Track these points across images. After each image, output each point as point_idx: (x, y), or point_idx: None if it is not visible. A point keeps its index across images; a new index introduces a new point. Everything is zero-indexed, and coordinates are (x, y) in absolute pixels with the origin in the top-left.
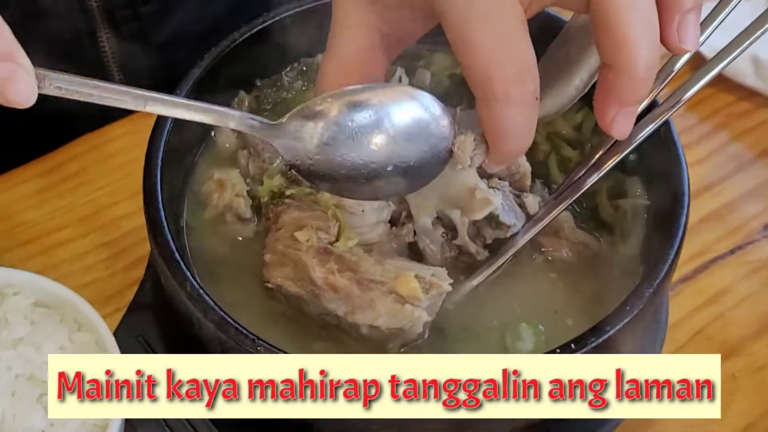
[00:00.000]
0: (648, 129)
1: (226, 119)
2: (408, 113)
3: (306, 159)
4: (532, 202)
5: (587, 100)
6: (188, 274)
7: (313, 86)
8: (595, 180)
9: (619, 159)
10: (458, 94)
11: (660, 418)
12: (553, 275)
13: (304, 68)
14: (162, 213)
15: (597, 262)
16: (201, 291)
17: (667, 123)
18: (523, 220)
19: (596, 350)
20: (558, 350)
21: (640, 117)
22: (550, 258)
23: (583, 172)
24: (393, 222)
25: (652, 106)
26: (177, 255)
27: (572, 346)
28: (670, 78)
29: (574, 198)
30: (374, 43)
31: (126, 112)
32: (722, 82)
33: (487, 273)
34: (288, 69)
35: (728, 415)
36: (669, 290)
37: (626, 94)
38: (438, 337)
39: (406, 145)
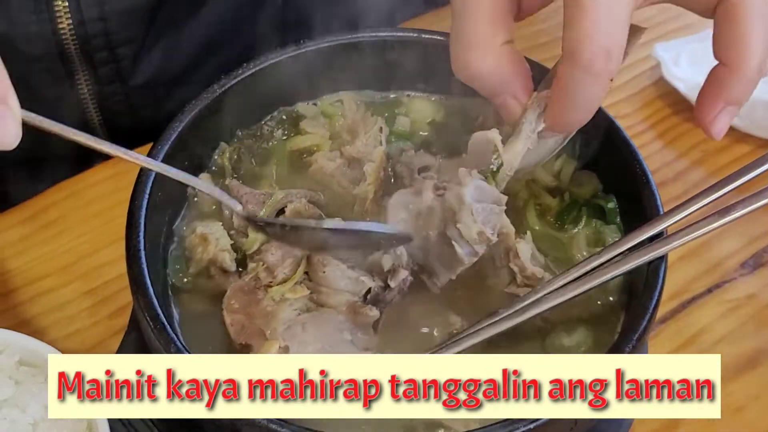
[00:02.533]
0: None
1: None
2: None
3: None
4: (524, 248)
5: (565, 147)
6: (173, 335)
7: (293, 135)
8: (614, 275)
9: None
10: (438, 141)
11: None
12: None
13: (284, 117)
14: (146, 272)
15: (574, 312)
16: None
17: (645, 172)
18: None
19: None
20: None
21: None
22: None
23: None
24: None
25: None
26: (162, 317)
27: None
28: None
29: (581, 290)
30: (508, 5)
31: (105, 156)
32: None
33: (462, 346)
34: (268, 118)
35: None
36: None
37: (734, 93)
38: None
39: None
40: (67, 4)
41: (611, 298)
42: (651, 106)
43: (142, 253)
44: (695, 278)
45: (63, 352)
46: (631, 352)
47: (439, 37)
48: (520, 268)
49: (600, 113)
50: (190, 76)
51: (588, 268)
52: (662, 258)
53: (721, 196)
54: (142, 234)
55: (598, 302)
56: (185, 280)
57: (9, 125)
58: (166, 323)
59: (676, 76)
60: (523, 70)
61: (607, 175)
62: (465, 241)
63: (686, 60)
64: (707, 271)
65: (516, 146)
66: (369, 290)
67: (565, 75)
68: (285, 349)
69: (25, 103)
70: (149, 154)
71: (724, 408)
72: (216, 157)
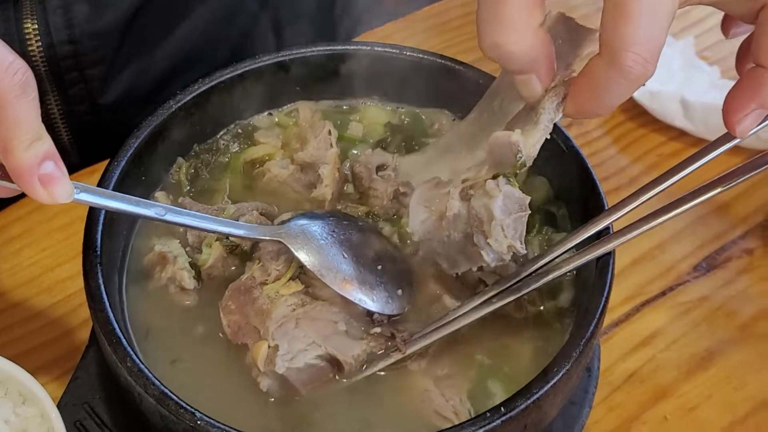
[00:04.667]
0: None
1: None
2: None
3: None
4: None
5: None
6: (129, 350)
7: (247, 146)
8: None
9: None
10: (393, 141)
11: None
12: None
13: (239, 130)
14: (102, 288)
15: (527, 318)
16: (141, 366)
17: (593, 179)
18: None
19: (524, 412)
20: (487, 414)
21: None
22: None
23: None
24: None
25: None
26: (118, 332)
27: (501, 409)
28: None
29: (530, 288)
30: None
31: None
32: (653, 122)
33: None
34: (224, 132)
35: None
36: (600, 337)
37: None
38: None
39: None
40: (36, 26)
41: (559, 301)
42: None
43: (99, 268)
44: (649, 281)
45: (25, 366)
46: (581, 353)
47: (392, 50)
48: None
49: None
50: (160, 95)
51: (536, 266)
52: (610, 254)
53: (665, 188)
54: (98, 250)
55: (546, 303)
56: (143, 295)
57: (65, 183)
58: (122, 338)
59: None
60: (550, 53)
61: (558, 181)
62: (493, 250)
63: None
64: (661, 274)
65: (534, 137)
66: None
67: (600, 72)
68: (275, 349)
69: None
70: (105, 171)
71: (677, 408)
72: (173, 172)
